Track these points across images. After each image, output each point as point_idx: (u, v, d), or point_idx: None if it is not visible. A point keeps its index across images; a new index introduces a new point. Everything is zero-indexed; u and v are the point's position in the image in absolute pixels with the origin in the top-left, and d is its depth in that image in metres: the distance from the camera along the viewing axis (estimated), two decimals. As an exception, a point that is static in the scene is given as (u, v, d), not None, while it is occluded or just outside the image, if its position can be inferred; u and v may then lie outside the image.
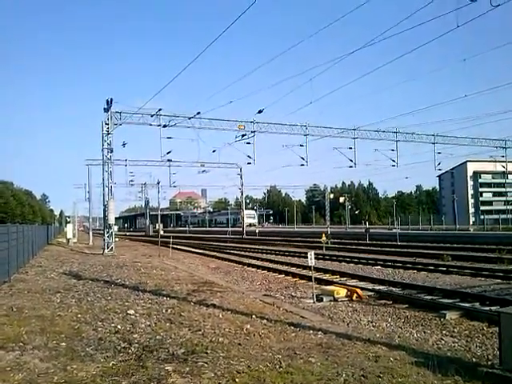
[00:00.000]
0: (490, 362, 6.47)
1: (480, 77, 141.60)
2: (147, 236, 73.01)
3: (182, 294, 12.54)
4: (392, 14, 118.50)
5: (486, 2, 8.76)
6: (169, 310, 9.90)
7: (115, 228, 37.75)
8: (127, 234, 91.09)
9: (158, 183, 72.61)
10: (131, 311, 9.73)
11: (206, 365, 5.99)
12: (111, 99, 30.12)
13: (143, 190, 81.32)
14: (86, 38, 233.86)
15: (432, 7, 12.42)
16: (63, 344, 7.04)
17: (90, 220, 60.98)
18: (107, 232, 31.13)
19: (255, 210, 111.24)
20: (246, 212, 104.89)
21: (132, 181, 65.17)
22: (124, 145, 35.56)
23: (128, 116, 31.31)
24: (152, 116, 31.74)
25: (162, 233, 45.67)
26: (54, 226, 77.18)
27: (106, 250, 30.18)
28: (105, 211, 31.77)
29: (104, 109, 30.56)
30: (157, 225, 74.01)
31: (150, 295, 12.05)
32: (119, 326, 8.32)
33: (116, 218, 35.32)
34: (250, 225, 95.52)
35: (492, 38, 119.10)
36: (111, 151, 31.17)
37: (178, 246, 38.30)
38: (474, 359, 6.74)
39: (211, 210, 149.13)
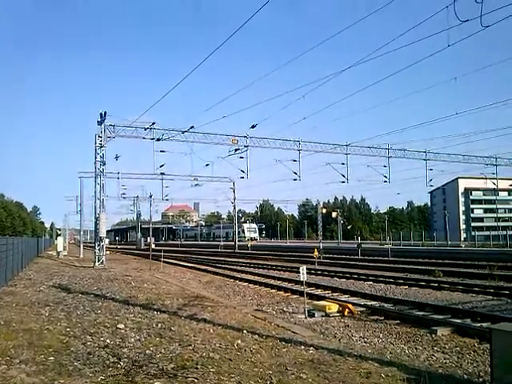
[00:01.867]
0: (481, 379, 6.46)
1: (471, 95, 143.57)
2: (138, 249, 72.52)
3: (172, 308, 12.44)
4: (385, 32, 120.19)
5: (476, 23, 8.91)
6: (159, 325, 9.81)
7: (106, 241, 37.50)
8: (118, 247, 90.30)
9: (151, 196, 72.43)
10: (121, 325, 9.62)
11: (196, 380, 5.92)
12: (105, 112, 30.19)
13: (135, 203, 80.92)
14: (79, 50, 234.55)
15: (424, 26, 12.65)
16: (51, 358, 6.94)
17: (81, 233, 60.57)
18: (98, 245, 30.90)
19: (255, 223, 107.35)
20: (246, 226, 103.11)
21: (124, 194, 64.83)
22: (117, 158, 35.58)
23: (121, 129, 31.33)
24: (145, 129, 31.79)
25: (153, 246, 45.44)
26: (45, 239, 76.55)
27: (96, 263, 29.93)
28: (96, 224, 31.55)
29: (97, 122, 30.56)
30: (148, 238, 73.59)
31: (141, 309, 11.94)
32: (108, 341, 8.22)
33: (107, 231, 35.12)
34: (252, 239, 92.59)
35: (482, 58, 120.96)
36: (104, 164, 31.10)
37: (170, 260, 38.06)
38: (465, 376, 6.72)
39: (203, 223, 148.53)
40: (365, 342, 9.11)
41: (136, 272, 26.07)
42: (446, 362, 7.61)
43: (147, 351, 7.50)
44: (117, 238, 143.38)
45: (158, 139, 32.06)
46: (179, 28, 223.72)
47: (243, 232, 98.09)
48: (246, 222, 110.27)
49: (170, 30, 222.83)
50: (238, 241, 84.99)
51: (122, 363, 6.75)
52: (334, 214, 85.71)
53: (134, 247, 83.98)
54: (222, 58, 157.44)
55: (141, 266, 32.54)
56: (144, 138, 32.25)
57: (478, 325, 10.25)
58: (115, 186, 55.87)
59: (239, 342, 8.25)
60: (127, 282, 19.21)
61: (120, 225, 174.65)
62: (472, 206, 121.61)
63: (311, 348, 7.95)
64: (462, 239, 79.25)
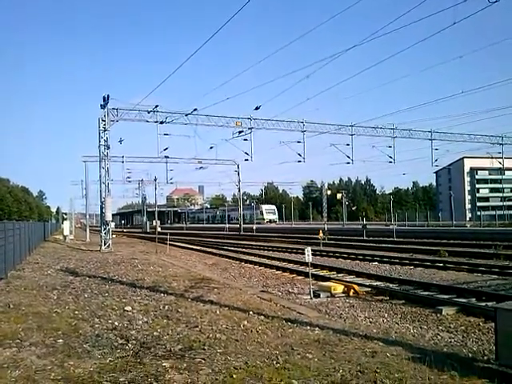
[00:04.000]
0: (486, 357, 6.50)
1: (477, 73, 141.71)
2: (144, 233, 72.95)
3: (179, 290, 12.54)
4: (389, 9, 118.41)
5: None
6: (166, 307, 9.90)
7: (112, 225, 37.71)
8: (124, 230, 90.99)
9: (155, 180, 72.53)
10: (128, 308, 9.72)
11: (203, 361, 6.00)
12: (108, 96, 30.06)
13: (140, 187, 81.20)
14: (84, 34, 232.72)
15: (430, 4, 12.43)
16: (60, 341, 7.03)
17: (87, 217, 61.04)
18: (104, 229, 31.09)
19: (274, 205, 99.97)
20: (265, 207, 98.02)
21: (129, 177, 64.92)
22: (121, 141, 35.50)
23: (125, 112, 31.28)
24: (149, 113, 31.70)
25: (159, 229, 45.69)
26: (51, 223, 77.02)
27: (103, 247, 30.16)
28: (102, 208, 31.69)
29: (101, 105, 30.45)
30: (154, 221, 73.83)
31: (148, 292, 12.05)
32: (116, 323, 8.31)
33: (113, 215, 35.19)
34: (270, 221, 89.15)
35: (489, 35, 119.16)
36: (108, 148, 31.09)
37: (176, 243, 38.29)
38: (470, 354, 6.77)
39: (208, 206, 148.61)
40: (370, 322, 9.18)
41: (142, 255, 26.24)
42: (451, 341, 7.66)
43: (155, 333, 7.59)
44: (122, 222, 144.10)
45: (162, 122, 31.97)
46: (183, 10, 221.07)
47: (261, 214, 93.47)
48: (263, 203, 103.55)
49: (173, 12, 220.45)
50: (257, 223, 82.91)
51: (130, 345, 6.83)
52: (338, 196, 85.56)
53: (140, 230, 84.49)
54: (226, 39, 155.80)
55: (147, 249, 32.74)
56: (147, 121, 32.20)
57: (483, 304, 10.28)
58: (120, 170, 56.09)
59: (245, 322, 8.32)
60: (134, 265, 19.36)
61: (126, 208, 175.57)
62: (477, 186, 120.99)
63: (317, 328, 8.02)
64: (468, 219, 79.22)
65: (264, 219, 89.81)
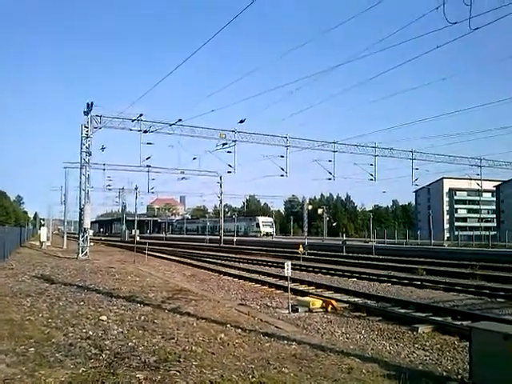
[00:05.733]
0: (460, 376, 6.56)
1: (458, 96, 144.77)
2: (123, 241, 72.08)
3: (156, 301, 12.40)
4: (375, 30, 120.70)
5: (465, 25, 9.00)
6: (142, 317, 9.77)
7: (90, 232, 37.20)
8: (103, 238, 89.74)
9: (136, 188, 71.91)
10: (104, 317, 9.56)
11: (178, 373, 5.92)
12: (91, 102, 29.86)
13: (120, 195, 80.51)
14: (69, 38, 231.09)
15: (413, 27, 12.72)
16: (32, 349, 6.87)
17: (65, 223, 60.03)
18: (82, 236, 30.64)
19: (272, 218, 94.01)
20: (262, 219, 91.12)
21: (109, 185, 64.33)
22: (103, 149, 35.28)
23: (108, 120, 31.05)
24: (133, 121, 31.53)
25: (138, 239, 45.24)
26: (28, 229, 75.65)
27: (80, 255, 29.66)
28: (80, 215, 31.25)
29: (84, 112, 30.21)
30: (133, 230, 72.99)
31: (124, 301, 11.87)
32: (91, 332, 8.16)
33: (92, 223, 34.90)
34: (267, 234, 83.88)
35: (471, 60, 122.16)
36: (89, 154, 30.80)
37: (154, 253, 37.93)
38: (444, 373, 6.82)
39: (189, 216, 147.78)
40: (347, 338, 9.19)
41: (120, 264, 25.91)
42: (426, 359, 7.72)
43: (130, 343, 7.47)
44: (101, 230, 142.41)
45: (145, 131, 31.82)
46: (170, 21, 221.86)
47: (257, 226, 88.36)
48: (259, 216, 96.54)
49: (160, 23, 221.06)
50: (254, 236, 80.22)
51: (103, 355, 6.71)
52: (319, 211, 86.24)
53: (119, 239, 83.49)
54: (213, 51, 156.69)
55: (125, 258, 32.35)
56: (131, 130, 31.98)
57: (459, 323, 10.40)
58: (101, 177, 55.36)
59: (222, 335, 8.26)
60: (111, 274, 19.09)
61: (105, 216, 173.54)
62: (456, 206, 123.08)
63: (294, 343, 7.99)
64: (446, 238, 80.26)
65: (260, 232, 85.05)
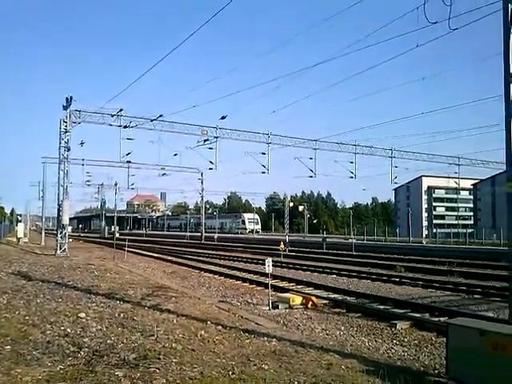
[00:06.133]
0: (437, 371, 6.68)
1: (437, 95, 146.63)
2: (102, 238, 71.24)
3: (135, 298, 12.30)
4: (358, 27, 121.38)
5: (445, 25, 9.10)
6: (121, 314, 9.69)
7: (69, 228, 36.71)
8: (81, 235, 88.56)
9: (116, 184, 71.13)
10: (82, 314, 9.45)
11: (157, 370, 5.88)
12: (71, 97, 29.42)
13: (100, 191, 79.62)
14: (48, 34, 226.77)
15: (395, 25, 12.84)
16: (8, 347, 6.75)
17: (43, 219, 59.14)
18: (60, 232, 30.20)
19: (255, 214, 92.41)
20: (247, 216, 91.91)
21: (89, 181, 63.69)
22: (82, 144, 34.83)
23: (88, 115, 30.65)
24: (112, 116, 31.19)
25: (117, 235, 44.75)
26: (4, 225, 74.17)
27: (58, 251, 29.26)
28: (59, 211, 30.85)
29: (63, 106, 29.73)
30: (112, 227, 72.20)
31: (103, 298, 11.75)
32: (69, 330, 8.06)
33: (70, 219, 34.42)
34: (253, 231, 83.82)
35: (451, 59, 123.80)
36: (68, 150, 30.34)
37: (134, 250, 37.61)
38: (422, 368, 6.93)
39: (169, 213, 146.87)
40: (327, 335, 9.26)
41: (99, 261, 25.63)
42: (404, 355, 7.82)
43: (108, 341, 7.40)
44: (80, 226, 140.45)
45: (126, 126, 31.53)
46: (152, 16, 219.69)
47: (243, 223, 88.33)
48: (244, 212, 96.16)
49: (142, 19, 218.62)
50: (240, 233, 79.55)
51: (82, 353, 6.64)
52: (300, 208, 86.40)
53: (98, 235, 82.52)
54: (194, 47, 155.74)
55: (104, 254, 32.01)
56: (111, 125, 31.66)
57: (436, 319, 10.57)
58: (80, 173, 54.63)
59: (202, 332, 8.24)
60: (90, 271, 18.86)
61: (84, 212, 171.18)
62: (434, 204, 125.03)
63: (274, 339, 8.02)
64: (424, 236, 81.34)
65: (246, 229, 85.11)
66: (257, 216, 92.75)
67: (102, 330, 8.24)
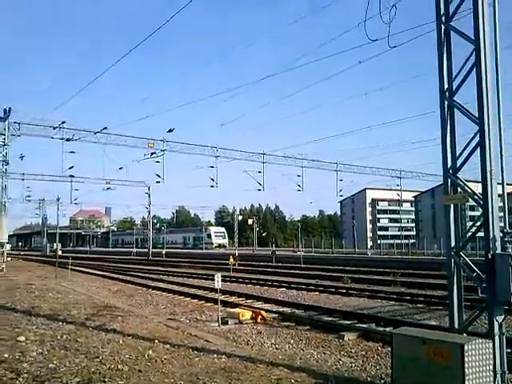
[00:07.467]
0: (383, 381, 6.83)
1: (380, 110, 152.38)
2: (44, 256, 68.36)
3: (79, 318, 11.86)
4: (302, 43, 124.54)
5: (385, 43, 9.48)
6: (64, 336, 9.30)
7: (8, 247, 34.94)
8: (22, 253, 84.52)
9: (58, 200, 68.58)
10: (21, 338, 9.00)
11: (102, 394, 5.68)
12: (9, 108, 28.32)
13: (41, 207, 76.50)
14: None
15: (339, 42, 13.28)
16: None
17: (-21, 237, 55.89)
18: (-2, 251, 28.73)
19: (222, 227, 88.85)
20: (214, 229, 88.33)
21: (29, 196, 61.13)
22: (22, 157, 33.54)
23: (28, 127, 29.56)
24: (54, 129, 30.26)
25: (60, 253, 43.05)
26: None
27: (-5, 271, 27.80)
28: (-4, 228, 29.31)
29: (0, 118, 28.52)
30: (55, 244, 69.36)
31: (44, 320, 11.25)
32: (6, 355, 7.64)
33: (9, 236, 32.79)
34: (220, 246, 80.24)
35: (391, 75, 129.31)
36: (7, 164, 29.10)
37: (78, 268, 36.28)
38: (369, 378, 7.06)
39: (115, 229, 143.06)
40: (276, 349, 9.27)
41: (40, 280, 24.55)
42: (351, 366, 7.95)
43: (50, 365, 7.07)
44: (20, 244, 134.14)
45: (68, 139, 30.67)
46: (100, 26, 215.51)
47: (209, 237, 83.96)
48: (211, 226, 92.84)
49: (89, 28, 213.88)
50: (205, 248, 76.70)
51: (21, 379, 6.31)
52: (250, 221, 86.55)
53: (39, 253, 79.06)
54: (141, 58, 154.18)
55: (46, 273, 30.69)
56: (52, 138, 30.69)
57: (382, 329, 10.83)
58: (19, 188, 52.45)
59: (150, 352, 8.04)
60: (30, 291, 18.02)
61: (24, 229, 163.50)
62: (378, 216, 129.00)
63: (223, 356, 7.95)
64: (369, 247, 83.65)
65: (212, 244, 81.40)
66: (223, 229, 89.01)
67: (43, 353, 7.87)
